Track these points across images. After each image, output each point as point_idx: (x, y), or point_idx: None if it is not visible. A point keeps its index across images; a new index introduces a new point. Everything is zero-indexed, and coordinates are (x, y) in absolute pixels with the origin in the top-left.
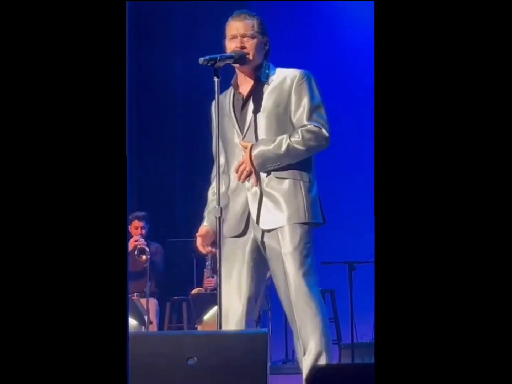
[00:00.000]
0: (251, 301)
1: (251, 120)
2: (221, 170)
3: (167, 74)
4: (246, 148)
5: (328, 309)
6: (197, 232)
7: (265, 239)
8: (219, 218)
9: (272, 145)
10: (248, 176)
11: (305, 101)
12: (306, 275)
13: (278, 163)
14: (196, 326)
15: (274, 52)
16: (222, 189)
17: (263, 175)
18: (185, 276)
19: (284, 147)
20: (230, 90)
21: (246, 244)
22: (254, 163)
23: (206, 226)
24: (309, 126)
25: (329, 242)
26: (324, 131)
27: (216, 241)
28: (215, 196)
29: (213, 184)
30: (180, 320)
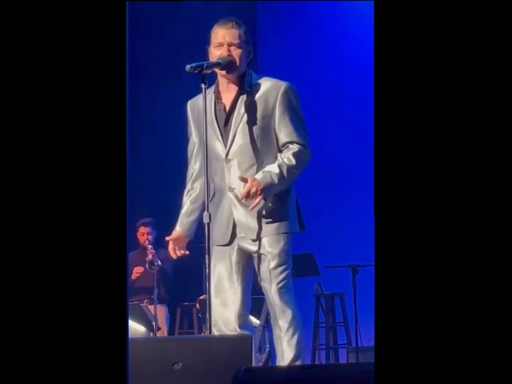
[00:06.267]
0: (243, 306)
1: (235, 132)
2: (195, 174)
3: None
4: (246, 181)
5: (337, 313)
6: (204, 237)
7: (248, 246)
8: (208, 224)
9: (276, 175)
10: (259, 198)
11: (290, 115)
12: (287, 279)
13: (281, 189)
14: (203, 332)
15: (274, 52)
16: (197, 192)
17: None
18: (195, 282)
19: (286, 174)
20: (211, 97)
21: (232, 252)
22: (262, 194)
23: (178, 231)
24: (297, 147)
25: (332, 246)
26: (307, 150)
27: (187, 245)
28: (190, 198)
29: (188, 186)
30: (191, 326)
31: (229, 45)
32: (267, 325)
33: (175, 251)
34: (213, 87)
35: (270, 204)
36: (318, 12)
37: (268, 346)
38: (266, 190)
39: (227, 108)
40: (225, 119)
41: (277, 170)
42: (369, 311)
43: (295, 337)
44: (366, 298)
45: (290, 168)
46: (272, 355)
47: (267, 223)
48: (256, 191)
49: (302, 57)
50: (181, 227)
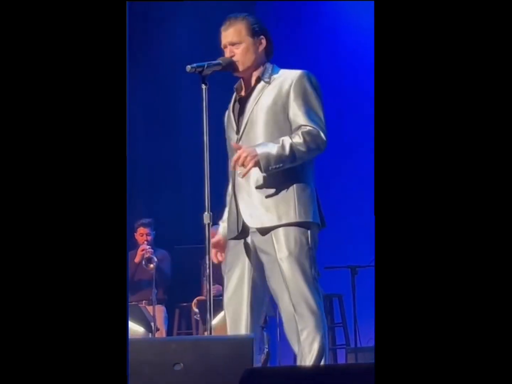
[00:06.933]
0: (255, 306)
1: (248, 117)
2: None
3: (170, 75)
4: (240, 148)
5: (336, 314)
6: (204, 238)
7: (259, 244)
8: (209, 224)
9: (276, 147)
10: (251, 164)
11: (304, 100)
12: (305, 280)
13: (281, 165)
14: (203, 333)
15: (275, 51)
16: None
17: (255, 171)
18: (193, 283)
19: (288, 149)
20: (235, 94)
21: (247, 249)
22: (259, 164)
23: (219, 236)
24: (309, 128)
25: (331, 247)
26: (322, 134)
27: (226, 246)
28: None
29: (229, 190)
30: (189, 327)
31: (231, 44)
32: (266, 326)
33: (216, 256)
34: (236, 84)
35: (264, 174)
36: (317, 12)
37: (266, 346)
38: (261, 159)
39: (243, 96)
40: (239, 109)
41: (279, 143)
42: (367, 312)
43: (314, 346)
44: (364, 298)
45: (295, 144)
46: (270, 355)
47: (269, 207)
48: (247, 156)
49: (301, 57)
50: (222, 231)
